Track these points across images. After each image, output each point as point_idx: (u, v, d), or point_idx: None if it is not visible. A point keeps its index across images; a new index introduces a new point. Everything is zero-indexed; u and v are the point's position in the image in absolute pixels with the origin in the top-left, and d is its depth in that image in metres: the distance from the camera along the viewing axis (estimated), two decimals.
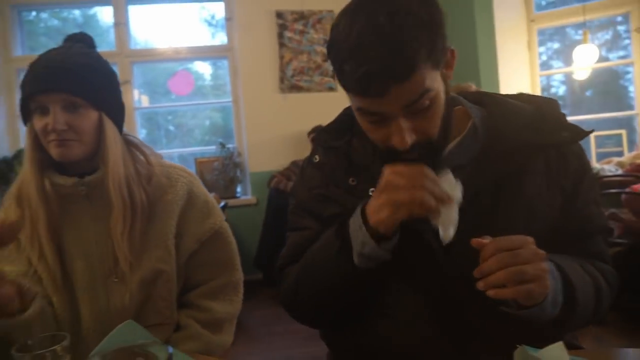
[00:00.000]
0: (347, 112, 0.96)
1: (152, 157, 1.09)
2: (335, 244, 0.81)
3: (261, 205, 3.84)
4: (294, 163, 3.82)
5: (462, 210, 0.77)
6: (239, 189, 4.09)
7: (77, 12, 4.31)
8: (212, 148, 4.18)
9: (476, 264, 0.69)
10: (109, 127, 1.00)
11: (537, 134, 0.82)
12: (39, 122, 0.95)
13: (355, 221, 0.79)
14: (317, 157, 0.94)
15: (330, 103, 4.00)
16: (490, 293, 0.66)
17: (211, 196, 1.20)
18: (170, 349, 0.54)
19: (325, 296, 0.87)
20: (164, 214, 1.05)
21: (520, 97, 0.92)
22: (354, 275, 0.80)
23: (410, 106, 0.72)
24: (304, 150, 3.94)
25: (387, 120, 0.74)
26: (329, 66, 4.06)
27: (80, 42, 1.05)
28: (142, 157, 1.06)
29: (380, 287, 0.85)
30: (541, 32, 4.11)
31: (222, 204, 2.88)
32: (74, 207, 1.01)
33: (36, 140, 0.98)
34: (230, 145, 4.06)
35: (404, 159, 0.76)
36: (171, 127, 4.62)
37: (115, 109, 1.04)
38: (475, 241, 0.69)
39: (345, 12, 0.75)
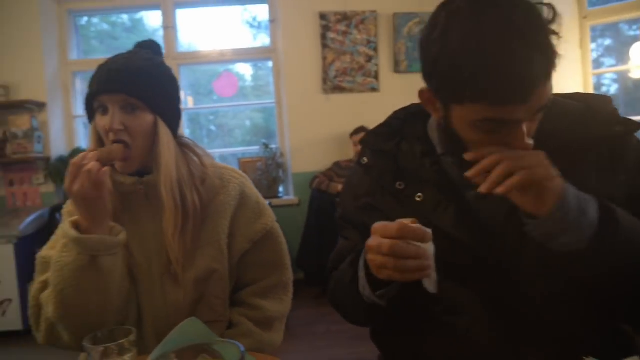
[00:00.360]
0: (397, 115, 0.96)
1: (205, 158, 1.12)
2: (349, 273, 0.84)
3: (303, 206, 3.87)
4: (336, 164, 3.83)
5: (515, 216, 0.75)
6: (281, 189, 4.14)
7: (125, 17, 4.48)
8: (254, 148, 4.24)
9: (536, 266, 0.67)
10: (163, 131, 1.03)
11: (586, 129, 0.79)
12: (100, 121, 1.00)
13: (362, 258, 0.80)
14: (365, 159, 0.94)
15: (373, 104, 4.00)
16: (500, 190, 0.65)
17: (262, 197, 1.22)
18: (242, 348, 0.56)
19: (357, 313, 0.91)
20: (217, 215, 1.08)
21: (574, 96, 0.89)
22: (365, 305, 0.82)
23: (537, 112, 0.69)
24: (346, 151, 3.94)
25: (507, 127, 0.69)
26: (371, 67, 4.06)
27: (148, 49, 1.09)
28: (195, 159, 1.09)
29: (429, 299, 0.82)
30: (592, 29, 3.94)
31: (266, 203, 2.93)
32: (134, 204, 1.05)
33: (99, 138, 1.03)
34: (273, 146, 4.11)
35: None
36: (213, 127, 4.73)
37: (171, 114, 1.07)
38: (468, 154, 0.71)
39: (455, 11, 0.68)
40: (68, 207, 1.08)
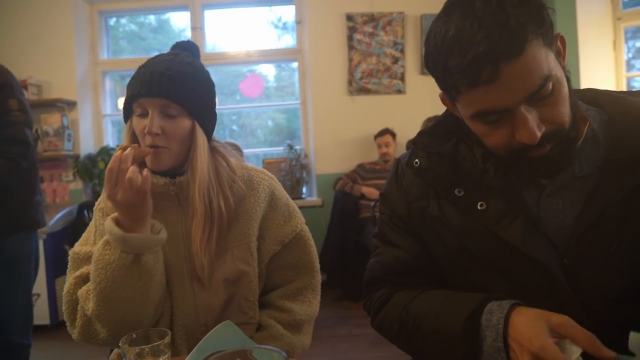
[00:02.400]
0: (451, 112, 0.89)
1: (234, 160, 1.12)
2: (461, 347, 0.70)
3: (326, 207, 3.87)
4: (360, 166, 3.81)
5: (588, 230, 0.70)
6: (304, 190, 4.14)
7: (152, 18, 4.55)
8: (278, 149, 4.25)
9: (607, 293, 0.62)
10: (200, 136, 1.03)
11: None
12: (138, 123, 1.00)
13: (492, 337, 0.68)
14: (417, 161, 0.86)
15: (399, 106, 3.97)
16: None
17: (291, 199, 1.21)
18: (284, 354, 0.55)
19: None
20: (247, 217, 1.08)
21: (635, 94, 0.81)
22: None
23: (532, 97, 0.66)
24: (371, 153, 3.92)
25: (507, 116, 0.68)
26: (397, 68, 4.03)
27: (187, 51, 1.09)
28: (224, 164, 1.09)
29: None
30: (626, 30, 3.83)
31: None
32: (165, 204, 1.05)
33: (133, 137, 1.03)
34: (297, 147, 4.12)
35: (536, 156, 0.69)
36: (235, 127, 4.76)
37: (208, 119, 1.07)
38: None
39: (436, 18, 0.71)
40: (101, 204, 1.10)
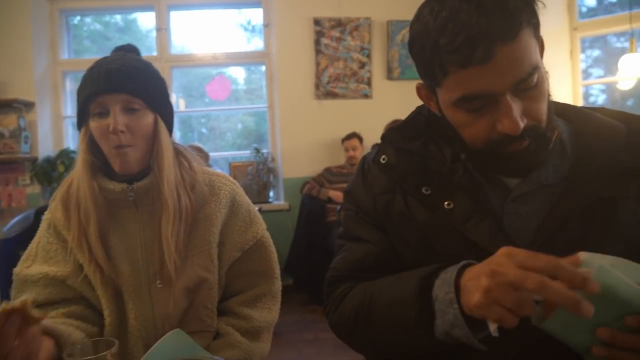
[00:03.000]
0: (420, 110, 0.89)
1: (195, 164, 1.10)
2: (413, 307, 0.68)
3: (293, 211, 3.86)
4: (327, 170, 3.82)
5: (550, 239, 0.70)
6: (271, 194, 4.12)
7: (118, 17, 4.45)
8: (245, 153, 4.22)
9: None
10: (163, 130, 1.02)
11: (634, 157, 0.73)
12: (98, 124, 0.97)
13: (444, 290, 0.64)
14: (385, 157, 0.85)
15: (366, 110, 4.01)
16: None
17: (253, 205, 1.20)
18: None
19: (394, 351, 0.76)
20: (207, 223, 1.06)
21: (603, 111, 0.83)
22: (434, 345, 0.67)
23: (519, 85, 0.65)
24: (338, 157, 3.94)
25: (491, 104, 0.67)
26: (364, 73, 4.06)
27: (131, 52, 1.08)
28: (185, 164, 1.08)
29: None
30: (581, 40, 3.99)
31: (256, 208, 2.90)
32: (121, 212, 1.02)
33: (90, 144, 1.00)
34: (264, 151, 4.10)
35: (513, 151, 0.70)
36: (204, 130, 4.71)
37: (168, 113, 1.06)
38: None
39: (427, 1, 0.70)
40: (48, 214, 1.06)
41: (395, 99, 3.95)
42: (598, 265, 0.53)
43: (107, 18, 4.43)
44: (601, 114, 0.81)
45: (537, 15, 0.68)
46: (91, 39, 4.39)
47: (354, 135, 3.78)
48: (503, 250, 0.58)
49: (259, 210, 3.19)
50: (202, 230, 1.06)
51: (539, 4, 0.69)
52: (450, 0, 0.65)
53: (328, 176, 3.78)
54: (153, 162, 1.01)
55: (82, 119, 1.01)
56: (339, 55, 4.02)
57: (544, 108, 0.70)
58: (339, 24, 4.01)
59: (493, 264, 0.58)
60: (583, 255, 0.56)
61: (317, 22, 3.99)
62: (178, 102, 4.32)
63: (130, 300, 1.00)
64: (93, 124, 0.98)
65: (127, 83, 0.96)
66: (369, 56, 4.04)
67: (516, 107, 0.66)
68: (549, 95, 0.73)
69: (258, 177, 3.99)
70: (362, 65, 4.05)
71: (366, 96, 4.06)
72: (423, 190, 0.79)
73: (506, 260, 0.56)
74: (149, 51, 4.14)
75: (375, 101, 4.04)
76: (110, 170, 1.03)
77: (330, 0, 3.99)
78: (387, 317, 0.74)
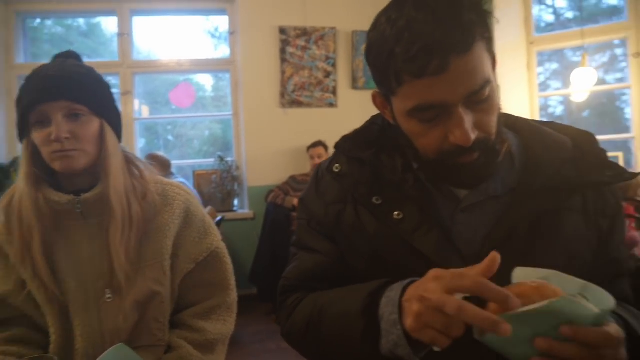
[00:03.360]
0: (374, 120, 0.89)
1: (147, 173, 1.08)
2: (360, 324, 0.68)
3: (258, 220, 3.83)
4: (292, 178, 3.82)
5: (495, 249, 0.69)
6: (236, 203, 4.08)
7: (81, 21, 4.34)
8: (210, 161, 4.18)
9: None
10: (110, 135, 1.00)
11: (578, 171, 0.75)
12: (40, 134, 0.94)
13: (389, 311, 0.65)
14: (338, 166, 0.85)
15: (331, 119, 4.03)
16: None
17: (208, 215, 1.19)
18: None
19: None
20: (160, 234, 1.04)
21: (552, 125, 0.85)
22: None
23: (471, 97, 0.66)
24: (303, 165, 3.94)
25: (444, 115, 0.68)
26: (329, 82, 4.10)
27: (72, 58, 1.05)
28: (137, 173, 1.05)
29: None
30: (540, 53, 4.15)
31: (219, 218, 2.87)
32: (68, 224, 0.99)
33: (33, 155, 0.97)
34: (229, 159, 4.06)
35: (463, 163, 0.70)
36: (170, 137, 4.63)
37: (115, 118, 1.04)
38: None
39: (385, 9, 0.71)
40: None
41: (360, 108, 3.98)
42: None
43: (69, 21, 4.31)
44: (550, 128, 0.83)
45: (490, 30, 0.69)
46: (52, 43, 4.26)
47: (319, 144, 3.80)
48: (432, 273, 0.60)
49: (223, 219, 3.15)
50: (154, 242, 1.03)
51: (493, 19, 0.71)
52: (407, 9, 0.66)
53: (293, 184, 3.78)
54: (100, 168, 0.99)
55: (23, 131, 0.98)
56: (305, 64, 4.04)
57: (494, 121, 0.71)
58: (304, 33, 4.03)
59: (422, 288, 0.59)
60: (517, 270, 0.58)
61: (282, 30, 4.00)
62: (141, 108, 4.24)
63: (77, 316, 0.97)
64: (35, 134, 0.95)
65: (68, 90, 0.94)
66: (334, 65, 4.08)
67: (468, 119, 0.67)
68: (499, 108, 0.74)
69: (222, 185, 3.95)
70: (328, 74, 4.08)
71: (331, 105, 4.09)
72: (374, 200, 0.79)
73: (434, 284, 0.58)
74: (112, 56, 4.06)
75: (340, 110, 4.07)
76: (57, 181, 1.00)
77: (296, 10, 4.01)
78: (335, 331, 0.74)
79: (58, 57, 1.05)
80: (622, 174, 0.75)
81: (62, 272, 0.97)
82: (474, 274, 0.56)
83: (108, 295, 0.99)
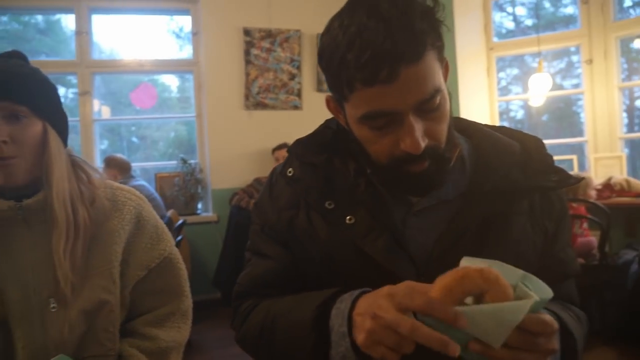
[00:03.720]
0: (328, 124, 0.89)
1: (96, 177, 1.04)
2: (310, 336, 0.69)
3: (222, 223, 3.79)
4: (257, 180, 3.79)
5: (446, 252, 0.73)
6: (199, 206, 4.02)
7: (39, 18, 4.19)
8: (172, 163, 4.10)
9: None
10: (54, 139, 0.96)
11: (526, 175, 0.77)
12: None
13: (338, 323, 0.66)
14: (291, 170, 0.84)
15: (296, 121, 4.03)
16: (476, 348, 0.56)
17: (161, 220, 1.16)
18: None
19: None
20: (109, 240, 1.01)
21: (502, 130, 0.86)
22: None
23: (421, 106, 0.67)
24: (268, 167, 3.91)
25: (394, 123, 0.68)
26: (294, 84, 4.09)
27: (15, 58, 1.01)
28: (84, 177, 1.02)
29: None
30: (501, 59, 4.28)
31: (181, 221, 2.82)
32: (10, 231, 0.95)
33: None
34: (192, 161, 4.00)
35: (414, 172, 0.71)
36: (134, 139, 4.53)
37: (59, 121, 1.00)
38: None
39: (338, 14, 0.70)
40: None
41: (325, 111, 3.94)
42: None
43: (26, 18, 4.16)
44: (501, 132, 0.85)
45: (442, 38, 0.70)
46: (8, 40, 4.09)
47: (284, 146, 3.79)
48: (385, 289, 0.61)
49: (185, 223, 3.10)
50: (102, 248, 1.00)
51: (444, 28, 0.71)
52: (359, 15, 0.66)
53: (258, 187, 3.75)
54: (43, 174, 0.95)
55: None
56: (269, 66, 4.02)
57: (444, 129, 0.72)
58: (269, 35, 4.01)
59: (375, 305, 0.60)
60: (464, 260, 0.60)
61: (247, 32, 3.97)
62: (101, 109, 4.13)
63: (17, 328, 0.93)
64: None
65: (8, 90, 0.90)
66: (299, 68, 4.08)
67: (418, 127, 0.67)
68: (450, 116, 0.75)
69: (185, 188, 3.88)
70: (292, 76, 4.08)
71: (296, 107, 4.09)
72: (326, 204, 0.79)
73: (386, 301, 0.59)
74: (71, 55, 3.93)
75: (305, 112, 4.08)
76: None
77: (261, 11, 3.99)
78: (286, 341, 0.75)
79: (0, 56, 1.01)
80: (567, 180, 0.77)
81: (3, 282, 0.93)
82: (425, 292, 0.57)
83: (52, 305, 0.95)
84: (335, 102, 0.79)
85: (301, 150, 0.85)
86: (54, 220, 0.93)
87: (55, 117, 0.98)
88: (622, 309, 2.77)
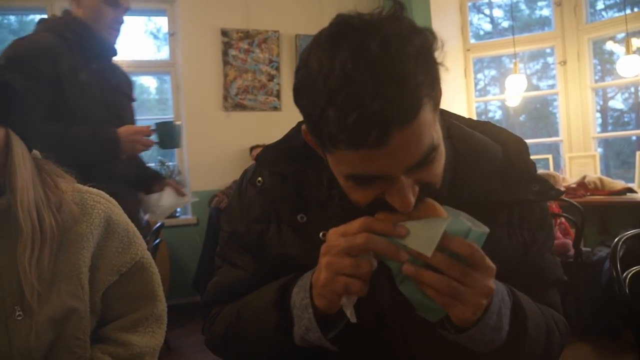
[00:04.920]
0: (300, 127, 0.78)
1: (64, 181, 1.02)
2: (272, 316, 0.69)
3: (201, 226, 3.76)
4: (236, 182, 3.77)
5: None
6: (178, 209, 3.98)
7: (12, 18, 4.10)
8: (150, 165, 4.05)
9: (430, 332, 0.64)
10: (17, 145, 0.93)
11: (506, 185, 0.73)
12: None
13: (300, 297, 0.67)
14: (260, 179, 0.79)
15: (275, 122, 4.01)
16: (409, 270, 0.59)
17: (132, 224, 1.14)
18: None
19: None
20: (77, 245, 0.99)
21: (486, 127, 0.81)
22: (295, 352, 0.69)
23: (415, 167, 0.59)
24: None
25: (384, 180, 0.60)
26: (273, 85, 4.08)
27: None
28: (50, 182, 0.99)
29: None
30: (480, 60, 4.34)
31: (159, 224, 2.78)
32: None
33: None
34: (170, 163, 3.95)
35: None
36: None
37: (24, 126, 0.97)
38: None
39: (317, 44, 0.59)
40: None
41: None
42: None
43: None
44: (484, 131, 0.80)
45: (438, 83, 0.60)
46: None
47: (264, 146, 3.78)
48: (323, 249, 0.64)
49: (162, 225, 3.03)
50: (70, 254, 0.98)
51: (442, 67, 0.61)
52: (342, 55, 0.54)
53: None
54: (5, 181, 0.92)
55: None
56: (248, 67, 4.00)
57: (440, 172, 0.65)
58: (247, 35, 4.00)
59: (324, 245, 0.64)
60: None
61: (224, 33, 3.94)
62: None
63: None
64: None
65: None
66: (277, 69, 4.07)
67: (409, 184, 0.60)
68: (445, 152, 0.67)
69: None
70: (271, 77, 4.07)
71: (275, 109, 4.08)
72: (298, 218, 0.74)
73: (332, 236, 0.63)
74: None
75: (284, 114, 4.07)
76: None
77: (238, 12, 3.97)
78: (251, 327, 0.75)
79: None
80: (547, 192, 0.74)
81: None
82: (358, 229, 0.62)
83: (18, 313, 0.92)
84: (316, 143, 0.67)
85: (270, 158, 0.79)
86: (19, 229, 0.91)
87: (20, 123, 0.95)
88: (596, 305, 2.83)
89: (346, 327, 0.69)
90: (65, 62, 1.75)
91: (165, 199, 1.95)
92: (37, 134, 1.01)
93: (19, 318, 0.92)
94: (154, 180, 2.09)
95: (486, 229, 0.62)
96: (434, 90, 0.59)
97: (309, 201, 0.75)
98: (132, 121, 2.00)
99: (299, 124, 0.83)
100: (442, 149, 0.64)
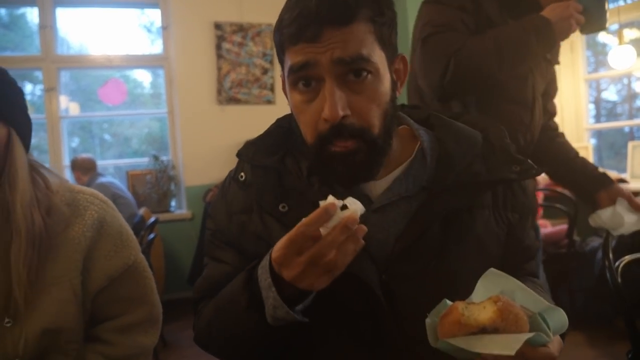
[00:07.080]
0: (281, 123, 0.88)
1: (55, 182, 1.00)
2: (243, 298, 0.71)
3: (196, 220, 3.75)
4: None
5: (408, 249, 0.72)
6: (173, 203, 3.97)
7: (2, 11, 4.05)
8: (144, 160, 4.03)
9: (421, 312, 0.63)
10: (18, 146, 0.92)
11: (488, 167, 0.77)
12: None
13: (264, 277, 0.68)
14: (242, 174, 0.82)
15: (269, 116, 3.92)
16: None
17: (127, 226, 1.12)
18: None
19: (241, 349, 0.77)
20: (68, 248, 0.97)
21: (465, 118, 0.86)
22: (269, 332, 0.70)
23: (341, 64, 0.68)
24: None
25: (318, 88, 0.70)
26: (267, 79, 4.06)
27: None
28: (41, 183, 0.97)
29: (314, 334, 0.74)
30: None
31: (153, 219, 2.77)
32: None
33: None
34: (164, 158, 3.94)
35: (338, 152, 0.71)
36: (107, 136, 4.43)
37: (25, 127, 0.96)
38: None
39: None
40: None
41: None
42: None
43: None
44: (464, 120, 0.84)
45: (386, 17, 0.71)
46: None
47: None
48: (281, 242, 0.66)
49: (157, 220, 3.02)
50: (62, 258, 0.96)
51: (389, 12, 0.72)
52: None
53: None
54: (4, 182, 0.91)
55: None
56: (241, 60, 3.98)
57: (374, 111, 0.71)
58: (240, 29, 3.96)
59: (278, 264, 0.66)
60: (489, 272, 0.63)
61: (218, 26, 3.91)
62: (69, 106, 4.02)
63: None
64: None
65: None
66: (271, 62, 4.05)
67: (339, 95, 0.68)
68: (390, 105, 0.74)
69: (158, 185, 3.82)
70: (265, 71, 4.04)
71: (269, 102, 4.06)
72: (280, 207, 0.76)
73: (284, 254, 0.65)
74: (37, 50, 3.81)
75: (278, 107, 4.05)
76: None
77: (231, 5, 3.93)
78: (226, 315, 0.76)
79: None
80: (529, 170, 0.77)
81: None
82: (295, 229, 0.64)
83: (7, 320, 0.91)
84: (283, 80, 0.79)
85: (252, 153, 0.82)
86: (16, 231, 0.89)
87: (20, 122, 0.94)
88: (589, 294, 2.86)
89: (331, 308, 0.72)
90: None
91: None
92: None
93: (8, 325, 0.91)
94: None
95: (565, 326, 0.60)
96: (379, 19, 0.70)
97: (289, 191, 0.78)
98: None
99: (278, 119, 0.89)
100: (382, 86, 0.71)
